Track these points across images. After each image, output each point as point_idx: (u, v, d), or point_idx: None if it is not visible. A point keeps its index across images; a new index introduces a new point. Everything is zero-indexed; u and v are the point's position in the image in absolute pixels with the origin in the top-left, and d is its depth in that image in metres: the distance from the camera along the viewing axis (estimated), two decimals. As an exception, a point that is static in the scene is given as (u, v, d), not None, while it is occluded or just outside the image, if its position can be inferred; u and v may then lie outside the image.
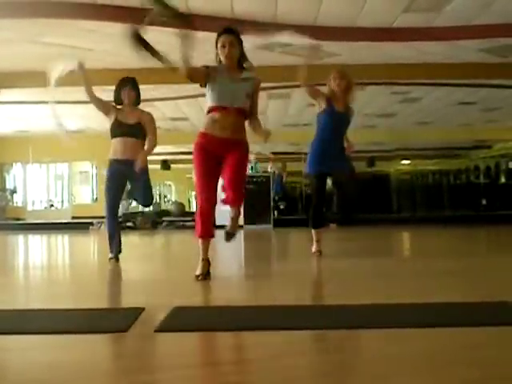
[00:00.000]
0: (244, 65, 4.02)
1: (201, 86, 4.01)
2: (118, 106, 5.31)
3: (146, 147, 5.27)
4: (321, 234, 5.53)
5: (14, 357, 2.16)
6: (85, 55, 8.46)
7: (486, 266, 4.92)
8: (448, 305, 2.92)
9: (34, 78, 9.20)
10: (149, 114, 5.35)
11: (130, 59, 8.52)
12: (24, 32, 7.57)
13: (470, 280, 4.00)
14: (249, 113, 4.07)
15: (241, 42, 3.95)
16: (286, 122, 14.42)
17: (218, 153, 3.98)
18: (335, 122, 5.30)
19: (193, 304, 3.14)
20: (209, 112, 4.00)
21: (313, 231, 5.52)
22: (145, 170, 5.20)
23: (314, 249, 5.48)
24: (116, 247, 5.27)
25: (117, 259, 5.26)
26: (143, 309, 2.90)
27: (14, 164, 17.82)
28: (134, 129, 5.16)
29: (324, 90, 5.38)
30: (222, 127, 3.92)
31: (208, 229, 4.04)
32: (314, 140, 5.44)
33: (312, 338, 2.31)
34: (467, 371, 1.84)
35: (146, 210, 13.02)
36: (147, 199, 5.41)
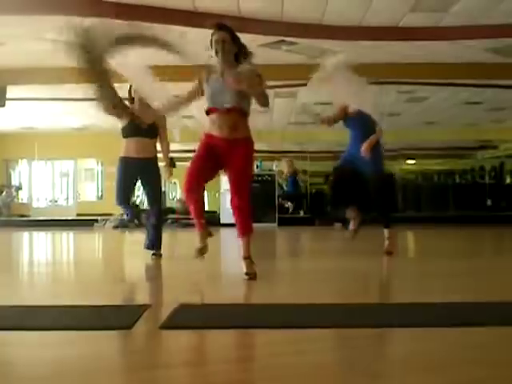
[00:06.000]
0: (244, 61, 3.93)
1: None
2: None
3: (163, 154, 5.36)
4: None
5: (19, 353, 2.17)
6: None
7: (494, 266, 4.91)
8: (455, 304, 2.91)
9: (40, 75, 9.23)
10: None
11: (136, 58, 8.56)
12: (30, 29, 7.58)
13: (479, 280, 4.00)
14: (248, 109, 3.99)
15: (235, 38, 3.92)
16: (291, 120, 14.40)
17: (220, 152, 3.94)
18: (350, 126, 5.45)
19: (198, 301, 3.14)
20: (207, 113, 4.00)
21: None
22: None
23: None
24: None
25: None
26: (148, 306, 2.90)
27: (19, 161, 17.85)
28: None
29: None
30: (219, 127, 3.92)
31: (196, 214, 3.98)
32: None
33: (314, 337, 2.31)
34: (476, 370, 1.84)
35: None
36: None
